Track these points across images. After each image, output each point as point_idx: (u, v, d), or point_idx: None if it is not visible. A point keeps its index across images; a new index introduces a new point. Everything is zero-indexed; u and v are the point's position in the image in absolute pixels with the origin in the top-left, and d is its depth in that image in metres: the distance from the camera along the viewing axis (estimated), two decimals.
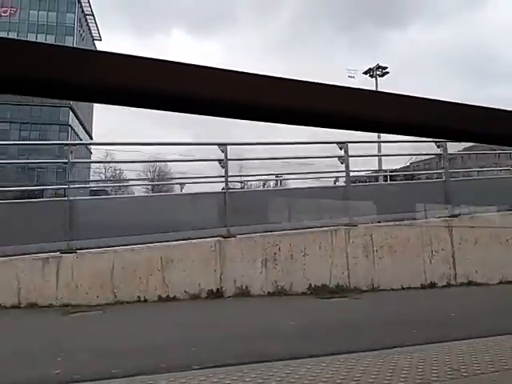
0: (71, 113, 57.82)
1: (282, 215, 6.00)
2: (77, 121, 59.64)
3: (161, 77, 0.40)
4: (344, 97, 0.48)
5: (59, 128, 57.03)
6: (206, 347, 3.00)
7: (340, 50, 76.53)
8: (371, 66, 33.09)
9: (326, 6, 73.42)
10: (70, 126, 57.52)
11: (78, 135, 59.86)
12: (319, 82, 0.47)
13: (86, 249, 4.59)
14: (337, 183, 8.20)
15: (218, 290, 4.88)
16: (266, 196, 7.16)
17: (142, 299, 4.59)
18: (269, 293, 5.06)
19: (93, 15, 62.85)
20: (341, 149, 6.14)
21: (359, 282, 5.43)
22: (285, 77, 0.46)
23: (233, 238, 5.06)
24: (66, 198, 5.15)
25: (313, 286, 5.22)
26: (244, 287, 4.97)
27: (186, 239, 4.93)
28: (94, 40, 65.02)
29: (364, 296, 5.09)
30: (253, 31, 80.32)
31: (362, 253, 5.53)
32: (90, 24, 63.88)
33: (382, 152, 12.44)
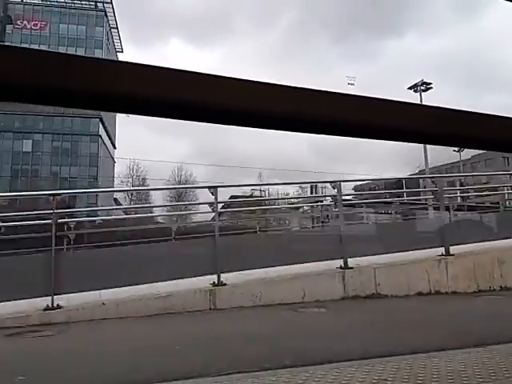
0: (100, 124, 58.51)
1: None
2: (105, 132, 60.38)
3: (168, 85, 0.42)
4: (344, 104, 0.50)
5: (90, 138, 57.56)
6: None
7: (336, 60, 78.52)
8: (416, 81, 34.85)
9: (321, 19, 75.63)
10: (100, 136, 58.13)
11: (106, 146, 60.67)
12: (323, 89, 0.49)
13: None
14: None
15: None
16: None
17: (492, 288, 6.22)
18: None
19: (117, 28, 64.39)
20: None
21: None
22: (287, 84, 0.47)
23: None
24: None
25: None
26: None
27: None
28: (116, 52, 66.21)
29: None
30: (250, 41, 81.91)
31: None
32: (114, 36, 65.24)
33: None
